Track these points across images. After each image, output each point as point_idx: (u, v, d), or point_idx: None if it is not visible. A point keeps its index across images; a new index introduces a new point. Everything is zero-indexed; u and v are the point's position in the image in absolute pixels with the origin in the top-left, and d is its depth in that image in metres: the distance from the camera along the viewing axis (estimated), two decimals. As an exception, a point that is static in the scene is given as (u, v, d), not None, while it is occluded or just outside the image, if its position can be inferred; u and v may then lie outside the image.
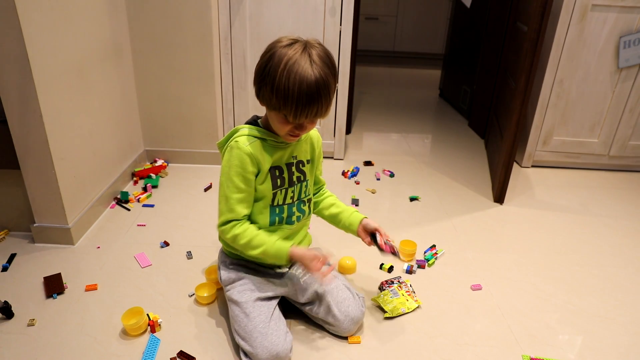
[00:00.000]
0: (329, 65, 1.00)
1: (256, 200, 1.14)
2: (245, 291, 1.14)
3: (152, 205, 1.81)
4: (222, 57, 2.09)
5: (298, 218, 1.21)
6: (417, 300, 1.32)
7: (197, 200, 1.88)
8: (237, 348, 1.11)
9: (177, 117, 2.11)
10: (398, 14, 5.09)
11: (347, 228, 1.29)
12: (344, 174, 2.19)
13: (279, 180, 1.13)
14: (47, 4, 1.35)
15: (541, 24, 1.65)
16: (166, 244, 1.56)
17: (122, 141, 1.94)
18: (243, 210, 1.10)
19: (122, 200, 1.81)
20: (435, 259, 1.55)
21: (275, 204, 1.15)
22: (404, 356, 1.15)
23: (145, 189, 1.92)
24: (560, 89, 2.20)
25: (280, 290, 1.19)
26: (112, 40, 1.79)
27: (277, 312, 1.15)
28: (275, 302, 1.16)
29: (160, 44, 1.97)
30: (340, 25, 2.07)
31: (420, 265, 1.50)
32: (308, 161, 1.21)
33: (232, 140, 1.09)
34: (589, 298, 1.41)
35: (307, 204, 1.23)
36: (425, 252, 1.58)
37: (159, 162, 2.16)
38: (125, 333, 1.16)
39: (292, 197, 1.18)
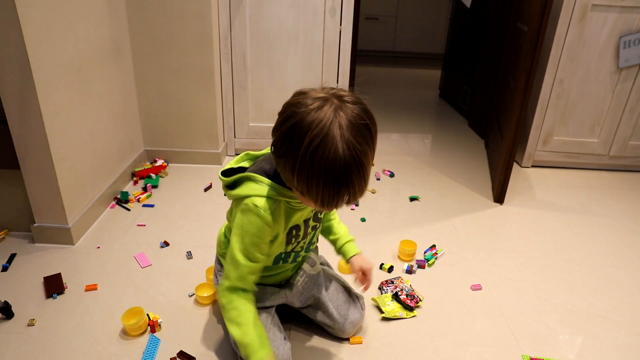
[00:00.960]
0: (365, 132, 0.79)
1: None
2: None
3: (152, 205, 1.81)
4: (222, 57, 2.10)
5: (304, 257, 1.16)
6: (415, 310, 1.30)
7: (197, 200, 1.88)
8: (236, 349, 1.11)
9: (177, 117, 2.11)
10: (398, 14, 5.08)
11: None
12: (344, 174, 2.19)
13: (293, 238, 1.04)
14: (47, 4, 1.35)
15: (541, 24, 1.65)
16: (166, 244, 1.56)
17: (122, 141, 1.94)
18: (254, 280, 0.98)
19: (122, 200, 1.81)
20: (435, 259, 1.55)
21: (282, 250, 1.07)
22: (404, 356, 1.15)
23: (145, 189, 1.92)
24: (560, 89, 2.20)
25: (278, 301, 1.14)
26: (112, 40, 1.79)
27: (275, 320, 1.11)
28: (272, 309, 1.13)
29: (160, 44, 1.97)
30: (340, 25, 2.07)
31: (420, 265, 1.50)
32: None
33: (250, 201, 0.91)
34: (589, 298, 1.41)
35: (314, 244, 1.17)
36: (425, 252, 1.58)
37: (159, 162, 2.16)
38: (125, 333, 1.17)
39: (302, 247, 1.09)
